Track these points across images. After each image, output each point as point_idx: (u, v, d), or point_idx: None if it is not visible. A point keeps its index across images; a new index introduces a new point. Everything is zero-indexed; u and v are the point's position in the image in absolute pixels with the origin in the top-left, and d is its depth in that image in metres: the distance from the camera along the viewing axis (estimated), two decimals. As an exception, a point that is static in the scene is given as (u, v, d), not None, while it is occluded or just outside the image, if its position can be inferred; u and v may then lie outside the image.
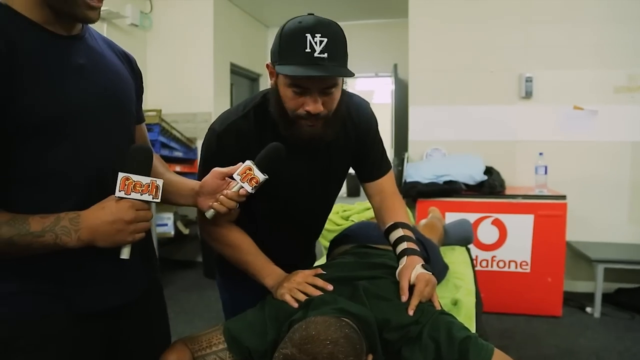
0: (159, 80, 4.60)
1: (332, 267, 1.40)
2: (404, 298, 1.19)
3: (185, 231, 4.39)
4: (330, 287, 1.22)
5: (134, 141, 1.16)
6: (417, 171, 3.45)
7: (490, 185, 3.32)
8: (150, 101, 4.62)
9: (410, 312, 1.14)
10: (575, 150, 3.66)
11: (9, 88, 0.86)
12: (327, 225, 2.25)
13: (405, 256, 1.30)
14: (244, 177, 1.11)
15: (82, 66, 1.00)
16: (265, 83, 5.91)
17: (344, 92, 1.32)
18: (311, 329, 0.93)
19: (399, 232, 1.36)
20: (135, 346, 1.16)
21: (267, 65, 1.24)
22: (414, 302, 1.17)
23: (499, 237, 3.23)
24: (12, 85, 0.86)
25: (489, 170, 3.51)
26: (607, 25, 3.56)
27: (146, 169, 0.99)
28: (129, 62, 1.20)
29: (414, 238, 1.37)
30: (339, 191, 1.54)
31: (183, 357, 1.11)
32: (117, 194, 0.95)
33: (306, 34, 1.11)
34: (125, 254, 0.98)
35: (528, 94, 3.67)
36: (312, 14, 1.18)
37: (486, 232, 3.24)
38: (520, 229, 3.19)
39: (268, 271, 1.32)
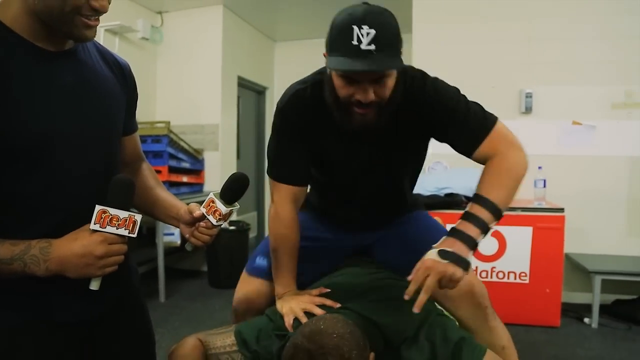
0: (168, 92, 4.73)
1: (337, 284, 1.44)
2: (406, 297, 1.09)
3: (192, 247, 4.47)
4: (337, 305, 1.27)
5: (119, 158, 1.15)
6: (420, 183, 3.49)
7: (490, 198, 3.39)
8: (159, 113, 4.74)
9: (415, 310, 1.07)
10: (573, 164, 3.74)
11: None
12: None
13: (444, 237, 1.18)
14: (209, 209, 1.09)
15: (69, 85, 0.98)
16: (271, 96, 6.04)
17: (407, 74, 1.30)
18: (320, 324, 1.02)
19: (469, 207, 1.23)
20: (114, 353, 1.16)
21: (324, 54, 1.23)
22: (419, 298, 1.08)
23: (499, 248, 3.31)
24: None
25: (489, 183, 3.59)
26: (604, 43, 3.66)
27: (125, 202, 0.97)
28: (122, 72, 1.17)
29: (480, 219, 1.17)
30: (411, 169, 1.51)
31: (196, 351, 1.19)
32: (92, 226, 0.93)
33: (353, 26, 1.11)
34: (94, 285, 0.96)
35: (528, 109, 3.77)
36: (366, 3, 1.18)
37: (486, 244, 3.31)
38: (519, 240, 3.27)
39: (284, 281, 1.44)
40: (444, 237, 1.18)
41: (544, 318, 3.28)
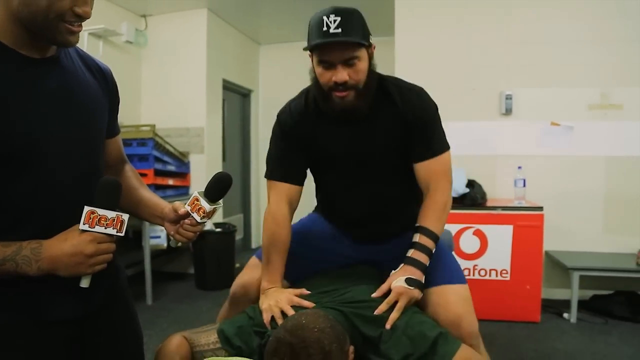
0: (153, 95, 4.74)
1: (315, 286, 1.50)
2: (374, 295, 1.37)
3: (178, 244, 4.48)
4: (312, 306, 1.33)
5: (103, 160, 1.18)
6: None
7: (472, 198, 3.48)
8: (145, 116, 4.75)
9: (387, 326, 1.27)
10: (552, 164, 3.84)
11: None
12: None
13: (403, 264, 1.44)
14: (193, 207, 1.13)
15: (53, 91, 1.01)
16: (256, 99, 6.07)
17: (394, 80, 1.55)
18: (302, 319, 1.07)
19: (415, 237, 1.47)
20: (104, 350, 1.19)
21: (309, 55, 1.47)
22: (392, 315, 1.30)
23: (480, 246, 3.39)
24: None
25: (471, 184, 3.67)
26: (581, 47, 3.77)
27: (113, 203, 1.01)
28: (103, 77, 1.19)
29: (426, 247, 1.45)
30: (393, 173, 1.60)
31: (182, 348, 1.23)
32: (81, 226, 0.96)
33: (323, 17, 1.35)
34: (84, 283, 1.00)
35: (508, 111, 3.86)
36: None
37: (468, 242, 3.39)
38: (500, 239, 3.35)
39: (270, 277, 1.52)
40: (402, 265, 1.44)
41: (525, 314, 3.37)
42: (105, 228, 0.98)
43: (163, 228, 3.98)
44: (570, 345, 2.99)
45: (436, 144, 1.54)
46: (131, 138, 4.04)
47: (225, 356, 1.23)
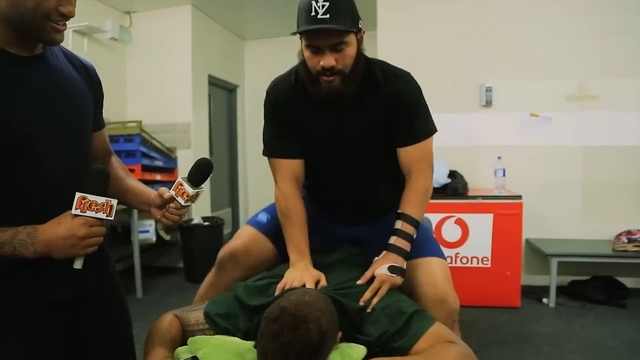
0: (139, 92, 4.77)
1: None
2: (359, 282, 1.42)
3: (167, 237, 4.53)
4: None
5: (91, 152, 1.25)
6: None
7: (453, 188, 3.58)
8: (131, 112, 4.78)
9: (368, 310, 1.32)
10: (531, 154, 3.95)
11: None
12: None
13: (385, 251, 1.49)
14: (177, 192, 1.22)
15: (42, 87, 1.07)
16: (242, 94, 6.12)
17: (381, 63, 1.57)
18: (307, 296, 1.13)
19: (397, 224, 1.52)
20: (95, 333, 1.26)
21: (299, 38, 1.46)
22: (372, 300, 1.35)
23: (462, 235, 3.48)
24: None
25: (452, 174, 3.76)
26: (559, 40, 3.87)
27: (102, 189, 1.08)
28: (88, 73, 1.25)
29: (407, 233, 1.50)
30: (379, 157, 1.62)
31: (174, 326, 1.30)
32: (74, 211, 1.03)
33: (312, 1, 1.34)
34: (78, 264, 1.07)
35: (488, 103, 3.95)
36: None
37: (450, 231, 3.49)
38: (481, 227, 3.45)
39: (297, 251, 1.56)
40: (385, 252, 1.49)
41: (505, 299, 3.47)
42: (96, 212, 1.05)
43: (151, 222, 4.01)
44: (548, 328, 3.10)
45: (418, 129, 1.55)
46: (118, 134, 4.07)
47: (212, 334, 1.30)
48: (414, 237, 1.52)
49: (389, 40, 4.13)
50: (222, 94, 5.86)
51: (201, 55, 4.93)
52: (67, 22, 1.06)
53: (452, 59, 4.05)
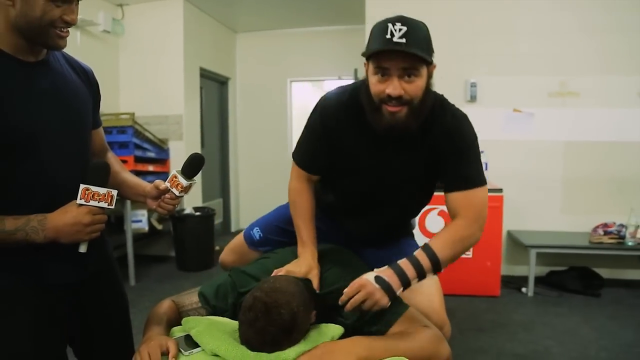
0: (132, 84, 4.83)
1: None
2: (340, 302, 1.32)
3: (159, 227, 4.63)
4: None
5: (90, 150, 1.35)
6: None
7: (438, 181, 3.69)
8: (124, 104, 4.84)
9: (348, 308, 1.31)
10: (513, 148, 4.08)
11: None
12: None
13: (387, 266, 1.35)
14: (172, 184, 1.35)
15: (46, 90, 1.17)
16: (234, 86, 6.19)
17: (442, 99, 1.48)
18: (277, 283, 1.24)
19: (416, 251, 1.38)
20: (97, 311, 1.39)
21: (364, 64, 1.39)
22: (346, 306, 1.31)
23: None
24: None
25: (437, 167, 3.87)
26: (542, 38, 3.99)
27: (103, 181, 1.19)
28: (86, 76, 1.36)
29: (420, 264, 1.34)
30: (417, 195, 1.59)
31: (171, 309, 1.41)
32: (78, 201, 1.15)
33: (388, 24, 1.27)
34: (82, 248, 1.19)
35: (473, 98, 4.07)
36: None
37: (433, 223, 3.61)
38: (463, 219, 3.57)
39: (300, 241, 1.59)
40: (386, 267, 1.36)
41: (486, 289, 3.62)
42: (98, 202, 1.17)
43: (144, 212, 4.14)
44: (525, 316, 3.25)
45: (470, 176, 1.43)
46: (111, 126, 4.15)
47: (205, 315, 1.41)
48: (426, 275, 1.37)
49: (378, 36, 4.21)
50: (214, 86, 5.92)
51: (193, 47, 5.00)
52: (69, 30, 1.18)
53: (439, 55, 4.04)
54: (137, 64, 4.83)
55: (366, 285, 1.30)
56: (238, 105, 6.26)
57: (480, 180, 1.44)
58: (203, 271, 4.42)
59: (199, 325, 1.27)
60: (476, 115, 4.07)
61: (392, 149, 1.47)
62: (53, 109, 1.19)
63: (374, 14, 4.22)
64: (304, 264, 1.51)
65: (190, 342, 1.24)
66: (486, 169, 3.71)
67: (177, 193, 1.35)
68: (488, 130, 4.08)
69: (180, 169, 1.36)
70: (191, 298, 1.46)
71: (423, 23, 1.34)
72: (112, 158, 1.53)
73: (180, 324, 1.35)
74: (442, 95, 1.51)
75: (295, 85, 6.25)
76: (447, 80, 4.11)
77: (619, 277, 4.00)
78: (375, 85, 1.33)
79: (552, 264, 4.01)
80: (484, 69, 4.09)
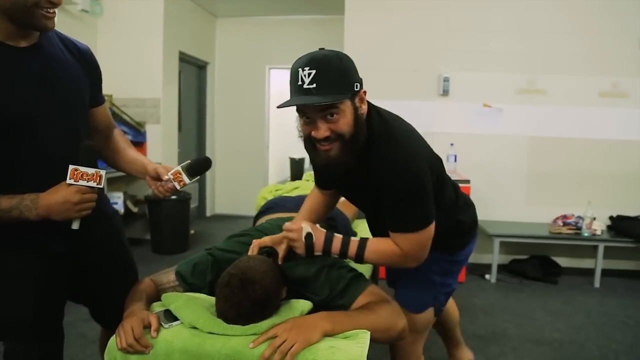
0: (110, 66, 4.74)
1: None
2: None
3: (135, 209, 4.67)
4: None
5: (83, 129, 1.39)
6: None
7: (409, 171, 3.83)
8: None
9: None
10: (482, 141, 4.25)
11: None
12: (258, 201, 2.71)
13: (335, 233, 1.52)
14: (175, 177, 1.46)
15: (39, 74, 1.22)
16: (212, 71, 6.20)
17: (386, 127, 1.43)
18: (251, 262, 1.35)
19: (353, 239, 1.52)
20: (97, 279, 1.51)
21: None
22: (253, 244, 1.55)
23: (414, 215, 3.75)
24: None
25: (409, 158, 4.01)
26: (512, 36, 4.15)
27: (92, 162, 1.26)
28: (82, 55, 1.39)
29: (347, 244, 1.49)
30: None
31: (150, 287, 1.50)
32: (68, 181, 1.22)
33: (298, 69, 1.26)
34: (75, 225, 1.27)
35: (445, 92, 4.21)
36: (322, 49, 1.33)
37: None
38: (432, 208, 3.72)
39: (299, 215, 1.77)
40: (325, 231, 1.53)
41: (451, 275, 3.78)
42: (87, 182, 1.24)
43: (120, 195, 4.21)
44: (487, 301, 3.44)
45: (408, 222, 1.42)
46: (88, 107, 4.14)
47: (182, 292, 1.51)
48: (347, 254, 1.50)
49: (356, 27, 4.31)
50: (193, 70, 5.93)
51: (172, 31, 5.00)
52: (56, 11, 1.22)
53: (414, 49, 4.27)
54: (115, 46, 4.79)
55: (297, 232, 1.48)
56: (216, 90, 6.28)
57: (423, 224, 1.42)
58: (178, 254, 4.48)
59: (178, 301, 1.37)
60: (448, 109, 4.29)
61: (349, 178, 1.50)
62: (47, 91, 1.25)
63: (353, 4, 4.32)
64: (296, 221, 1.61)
65: (169, 316, 1.34)
66: (455, 160, 3.93)
67: (178, 187, 1.47)
68: (458, 124, 4.25)
69: (185, 165, 1.48)
70: (168, 276, 1.56)
71: (336, 55, 1.30)
72: (119, 135, 1.61)
73: (160, 301, 1.45)
74: (389, 118, 1.49)
75: (273, 72, 6.30)
76: (421, 74, 4.26)
77: (576, 265, 4.23)
78: (304, 128, 1.35)
79: (514, 252, 4.22)
80: (457, 64, 4.23)
